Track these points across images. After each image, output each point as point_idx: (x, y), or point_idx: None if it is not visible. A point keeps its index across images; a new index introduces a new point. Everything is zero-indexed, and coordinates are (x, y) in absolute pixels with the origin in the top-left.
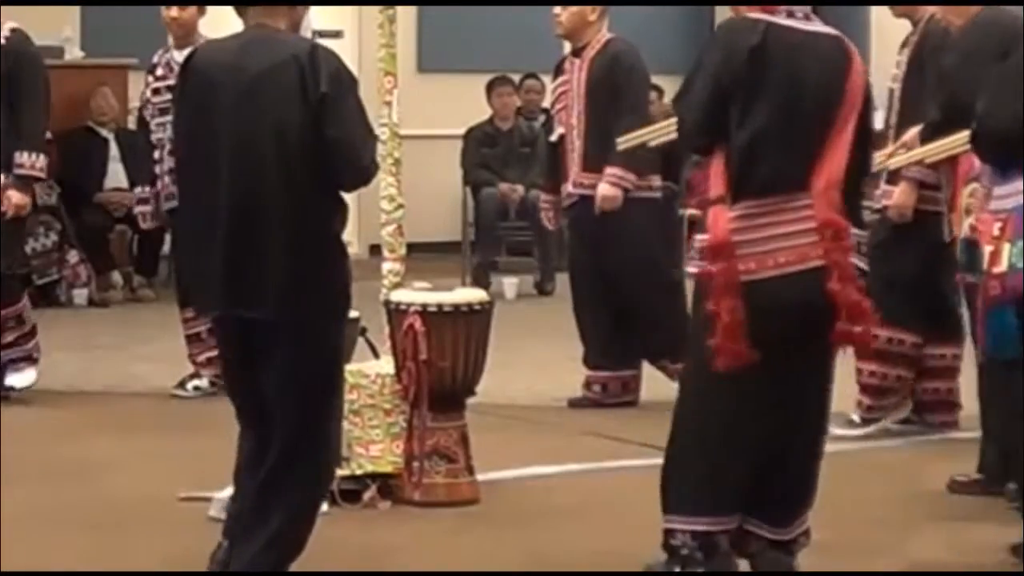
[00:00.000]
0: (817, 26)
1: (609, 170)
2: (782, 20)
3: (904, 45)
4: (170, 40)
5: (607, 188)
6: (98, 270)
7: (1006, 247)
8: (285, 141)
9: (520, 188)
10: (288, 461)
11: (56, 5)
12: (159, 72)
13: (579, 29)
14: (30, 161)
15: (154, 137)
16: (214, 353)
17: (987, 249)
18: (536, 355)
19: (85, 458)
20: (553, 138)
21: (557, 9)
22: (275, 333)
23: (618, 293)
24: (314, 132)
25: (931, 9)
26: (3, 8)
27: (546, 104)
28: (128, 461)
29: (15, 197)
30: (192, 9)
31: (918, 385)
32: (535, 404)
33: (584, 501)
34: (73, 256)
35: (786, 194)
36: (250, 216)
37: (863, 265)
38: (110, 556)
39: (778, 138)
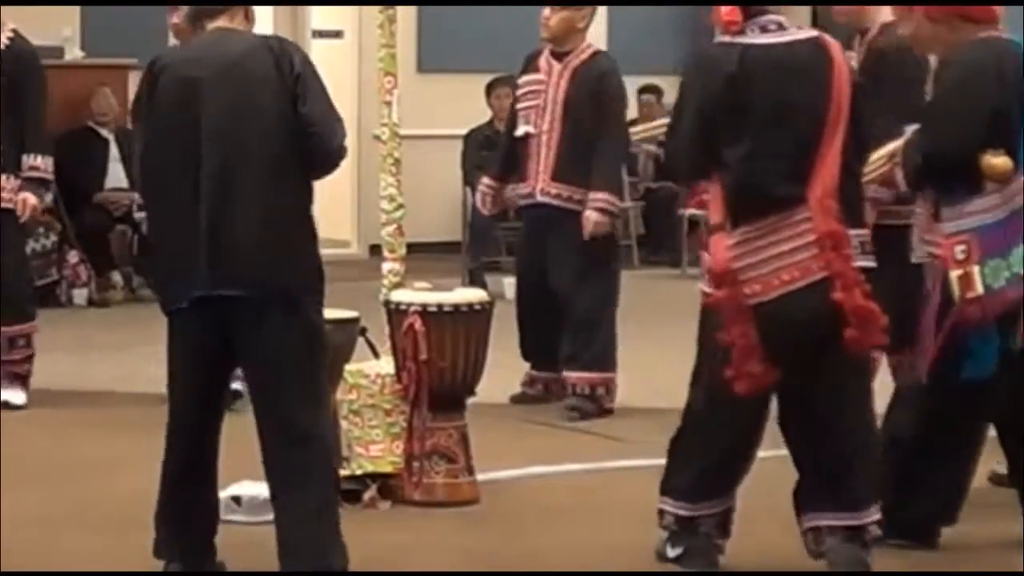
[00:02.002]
0: (793, 34)
1: (598, 195)
2: (756, 39)
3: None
4: (172, 41)
5: (597, 216)
6: (98, 270)
7: (976, 269)
8: (264, 119)
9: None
10: (292, 438)
11: (56, 5)
12: None
13: (567, 34)
14: (42, 163)
15: None
16: None
17: (954, 274)
18: None
19: (85, 458)
20: (519, 133)
21: (547, 12)
22: (255, 312)
23: (558, 302)
24: (290, 111)
25: (882, 16)
26: (3, 8)
27: None
28: (128, 461)
29: (31, 200)
30: None
31: None
32: (535, 404)
33: (584, 501)
34: (73, 256)
35: (784, 212)
36: (233, 195)
37: (870, 263)
38: (110, 556)
39: (770, 159)
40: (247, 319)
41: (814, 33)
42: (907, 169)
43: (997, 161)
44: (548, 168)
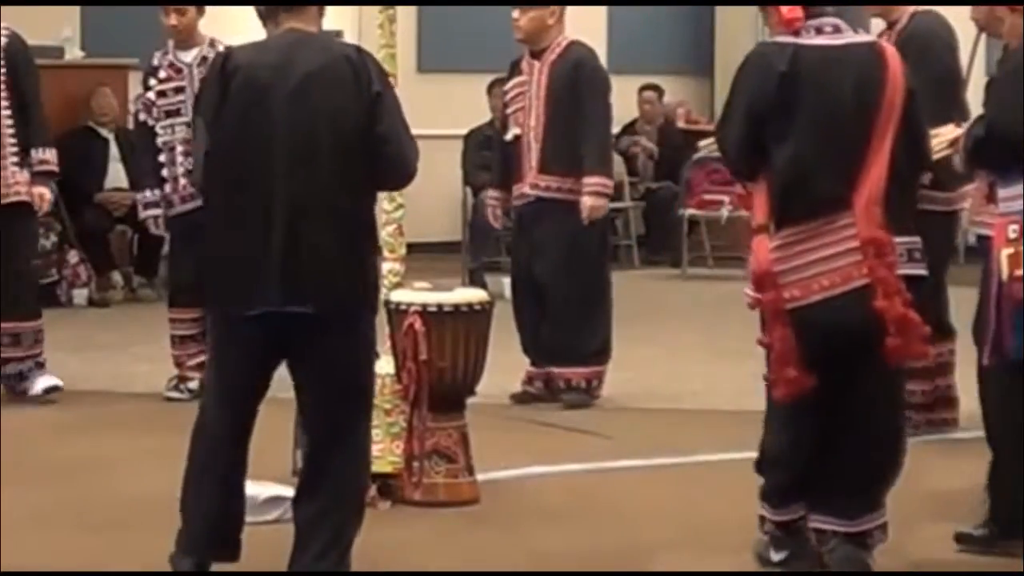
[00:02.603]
0: (848, 37)
1: (590, 180)
2: (811, 40)
3: None
4: (170, 42)
5: (593, 199)
6: (98, 270)
7: None
8: (341, 136)
9: None
10: (332, 456)
11: (56, 5)
12: (162, 75)
13: (538, 32)
14: (49, 156)
15: (160, 140)
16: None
17: (1005, 253)
18: None
19: (85, 458)
20: (508, 137)
21: (515, 13)
22: (320, 327)
23: (548, 293)
24: (366, 129)
25: (909, 9)
26: (3, 8)
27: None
28: (128, 461)
29: (47, 193)
30: (191, 12)
31: (916, 386)
32: (535, 404)
33: (583, 501)
34: (73, 256)
35: (828, 216)
36: (309, 211)
37: (920, 271)
38: (110, 556)
39: (817, 161)
40: (308, 333)
41: (871, 38)
42: (966, 149)
43: None
44: (536, 162)
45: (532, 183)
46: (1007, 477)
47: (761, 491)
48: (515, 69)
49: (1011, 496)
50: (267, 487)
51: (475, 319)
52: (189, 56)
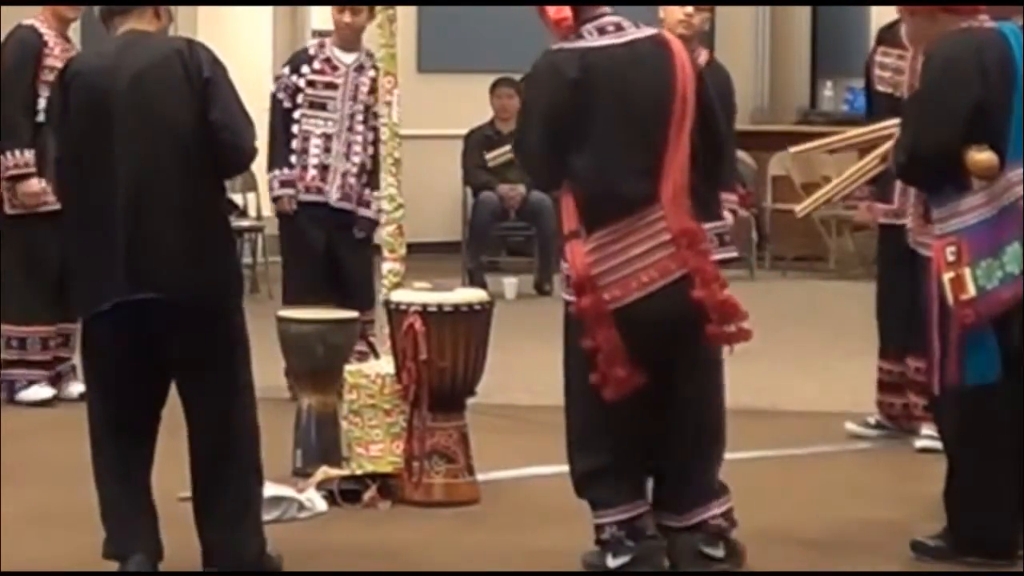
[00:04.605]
0: (632, 33)
1: None
2: (596, 41)
3: (896, 45)
4: (328, 40)
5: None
6: None
7: (967, 271)
8: (175, 129)
9: (521, 188)
10: (218, 443)
11: (56, 5)
12: (316, 66)
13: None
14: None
15: (296, 127)
16: None
17: (947, 277)
18: (536, 355)
19: (85, 458)
20: None
21: (689, 10)
22: (177, 316)
23: None
24: (200, 117)
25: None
26: (3, 8)
27: None
28: None
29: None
30: (364, 14)
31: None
32: (535, 404)
33: (583, 501)
34: None
35: (637, 213)
36: (147, 204)
37: (732, 254)
38: None
39: (619, 161)
40: (167, 323)
41: (654, 31)
42: (895, 168)
43: (981, 156)
44: None
45: None
46: (965, 491)
47: (590, 500)
48: None
49: (968, 510)
50: (267, 487)
51: (475, 319)
52: (349, 58)
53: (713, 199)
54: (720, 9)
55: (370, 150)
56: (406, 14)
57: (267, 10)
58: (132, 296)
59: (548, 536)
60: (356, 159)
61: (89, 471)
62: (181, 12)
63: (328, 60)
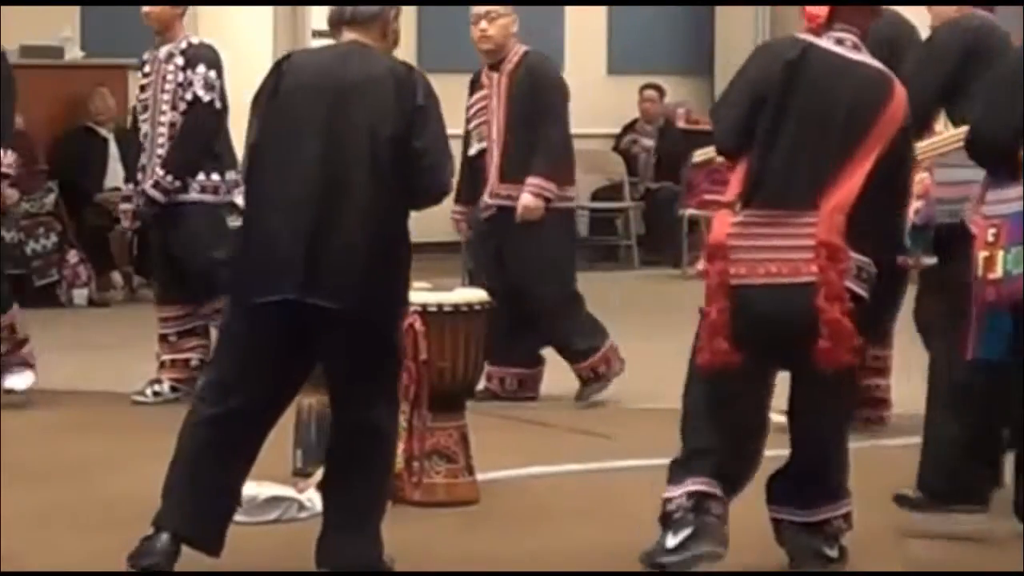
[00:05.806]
0: (863, 57)
1: (531, 180)
2: (826, 44)
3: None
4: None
5: (529, 199)
6: (98, 270)
7: (1000, 254)
8: (377, 144)
9: None
10: (362, 447)
11: (56, 5)
12: (146, 69)
13: (504, 43)
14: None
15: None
16: (178, 356)
17: (981, 255)
18: None
19: (85, 458)
20: (472, 152)
21: (483, 24)
22: (344, 325)
23: (521, 299)
24: (404, 142)
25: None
26: (3, 8)
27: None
28: (128, 461)
29: (14, 195)
30: (166, 8)
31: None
32: (535, 404)
33: (584, 501)
34: (73, 256)
35: (793, 211)
36: (337, 209)
37: (862, 292)
38: (110, 556)
39: (797, 156)
40: (331, 329)
41: (884, 68)
42: (965, 144)
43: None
44: (496, 171)
45: (493, 192)
46: (937, 450)
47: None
48: (475, 85)
49: (940, 465)
50: (267, 487)
51: (475, 319)
52: (162, 52)
53: (872, 238)
54: (720, 9)
55: None
56: (406, 14)
57: (267, 10)
58: (306, 298)
59: (548, 536)
60: None
61: (88, 471)
62: None
63: (146, 60)
